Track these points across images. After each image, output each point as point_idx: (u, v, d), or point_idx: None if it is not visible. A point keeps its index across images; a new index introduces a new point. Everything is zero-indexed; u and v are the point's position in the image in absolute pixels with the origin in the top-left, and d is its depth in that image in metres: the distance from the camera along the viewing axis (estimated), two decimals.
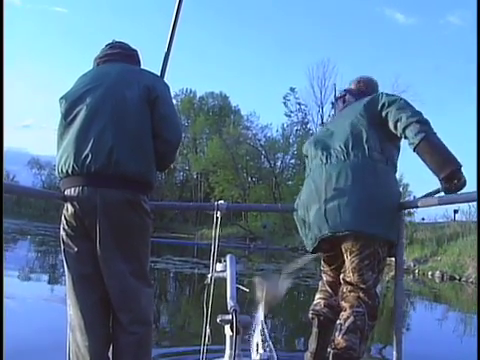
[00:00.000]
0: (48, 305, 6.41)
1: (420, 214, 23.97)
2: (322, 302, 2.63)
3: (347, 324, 2.29)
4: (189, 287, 11.61)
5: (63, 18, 72.11)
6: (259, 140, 42.56)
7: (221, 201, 2.95)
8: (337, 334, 2.31)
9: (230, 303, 2.66)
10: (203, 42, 68.13)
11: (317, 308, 2.63)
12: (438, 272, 15.65)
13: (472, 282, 14.01)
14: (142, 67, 2.46)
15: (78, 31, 69.77)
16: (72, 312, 2.16)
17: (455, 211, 24.85)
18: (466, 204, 20.05)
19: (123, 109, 2.18)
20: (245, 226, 37.06)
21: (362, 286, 2.35)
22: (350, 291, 2.38)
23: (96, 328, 2.14)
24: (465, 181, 2.17)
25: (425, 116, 2.34)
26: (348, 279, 2.41)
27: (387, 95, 2.50)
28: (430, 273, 16.08)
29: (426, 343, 5.69)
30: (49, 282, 9.21)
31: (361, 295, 2.34)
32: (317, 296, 2.68)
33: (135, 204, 2.15)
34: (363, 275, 2.35)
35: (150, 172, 2.22)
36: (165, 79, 2.69)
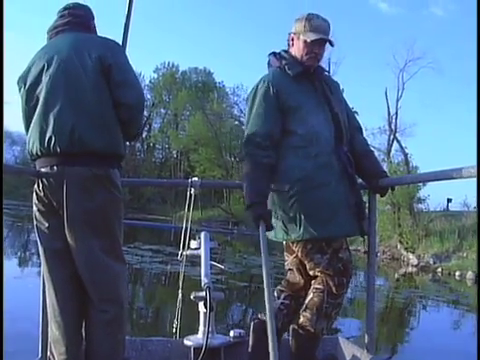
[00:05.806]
0: (20, 282, 6.74)
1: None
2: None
3: (306, 301, 2.43)
4: (158, 291, 9.26)
5: None
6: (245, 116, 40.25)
7: (195, 178, 2.90)
8: (301, 311, 2.45)
9: (204, 280, 2.65)
10: (193, 22, 66.22)
11: None
12: (470, 273, 13.03)
13: None
14: (93, 34, 2.37)
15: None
16: (47, 287, 2.19)
17: (449, 200, 23.19)
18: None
19: (78, 85, 2.16)
20: (227, 209, 34.64)
21: (319, 269, 2.43)
22: (314, 276, 2.49)
23: (69, 303, 2.15)
24: (255, 217, 2.30)
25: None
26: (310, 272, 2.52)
27: None
28: (458, 273, 13.50)
29: None
30: (19, 263, 9.75)
31: (320, 275, 2.43)
32: None
33: (103, 178, 2.14)
34: (313, 259, 2.44)
35: (117, 144, 2.21)
36: (127, 47, 2.67)
